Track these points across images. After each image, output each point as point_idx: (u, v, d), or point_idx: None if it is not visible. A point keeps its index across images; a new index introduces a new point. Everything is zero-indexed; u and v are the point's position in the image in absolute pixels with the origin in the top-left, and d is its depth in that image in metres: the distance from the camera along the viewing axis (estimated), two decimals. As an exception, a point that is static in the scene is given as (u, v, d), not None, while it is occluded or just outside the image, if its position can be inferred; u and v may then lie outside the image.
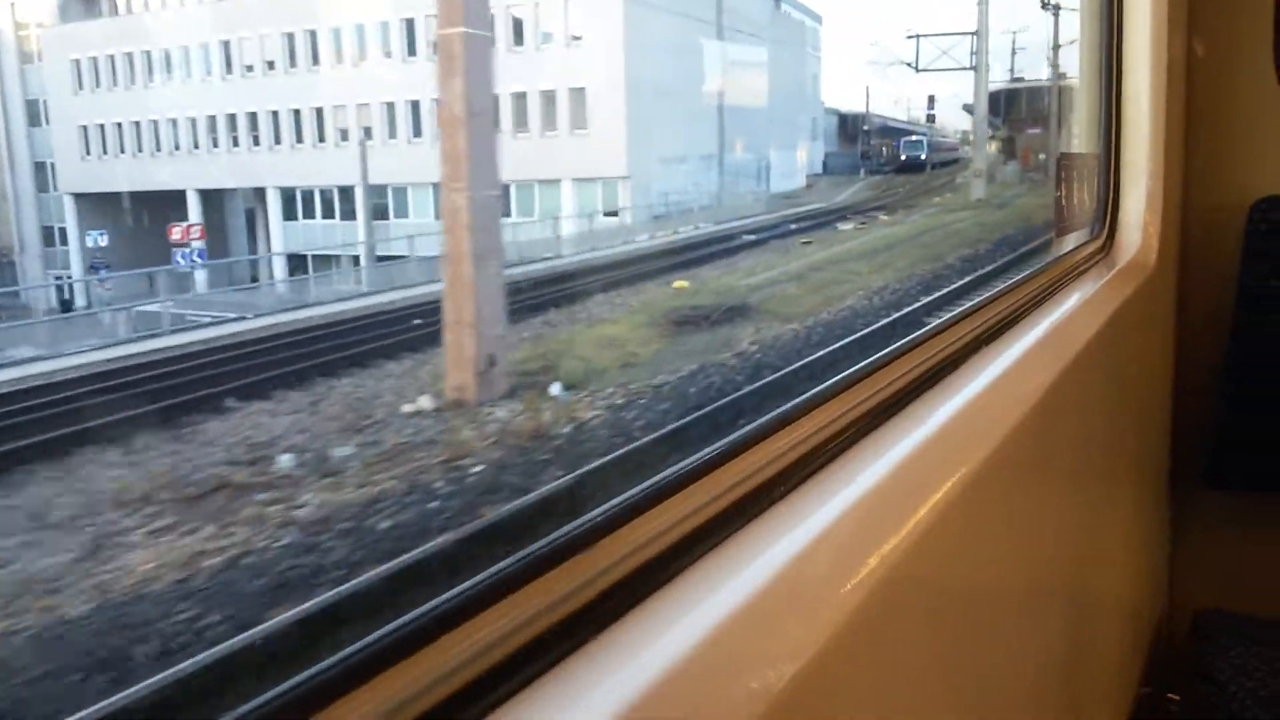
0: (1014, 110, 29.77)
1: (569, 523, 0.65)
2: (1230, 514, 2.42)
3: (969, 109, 30.48)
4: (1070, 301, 1.69)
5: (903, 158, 33.00)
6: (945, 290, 9.42)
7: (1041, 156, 26.70)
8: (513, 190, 19.12)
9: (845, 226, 19.34)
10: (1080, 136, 2.34)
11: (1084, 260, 2.02)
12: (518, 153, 18.12)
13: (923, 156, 33.02)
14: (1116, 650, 2.00)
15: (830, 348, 7.99)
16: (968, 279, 10.08)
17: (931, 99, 34.57)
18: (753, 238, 16.54)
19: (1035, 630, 1.27)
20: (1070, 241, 2.20)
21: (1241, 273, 2.24)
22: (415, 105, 17.59)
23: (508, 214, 18.51)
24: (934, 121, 35.10)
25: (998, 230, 16.56)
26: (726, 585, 0.64)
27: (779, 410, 0.90)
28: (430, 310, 7.71)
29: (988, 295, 1.56)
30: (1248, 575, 2.39)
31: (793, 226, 18.80)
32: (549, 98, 18.82)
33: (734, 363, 7.59)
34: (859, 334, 8.14)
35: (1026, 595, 1.22)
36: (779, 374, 6.68)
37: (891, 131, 35.50)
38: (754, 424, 0.86)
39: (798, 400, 0.94)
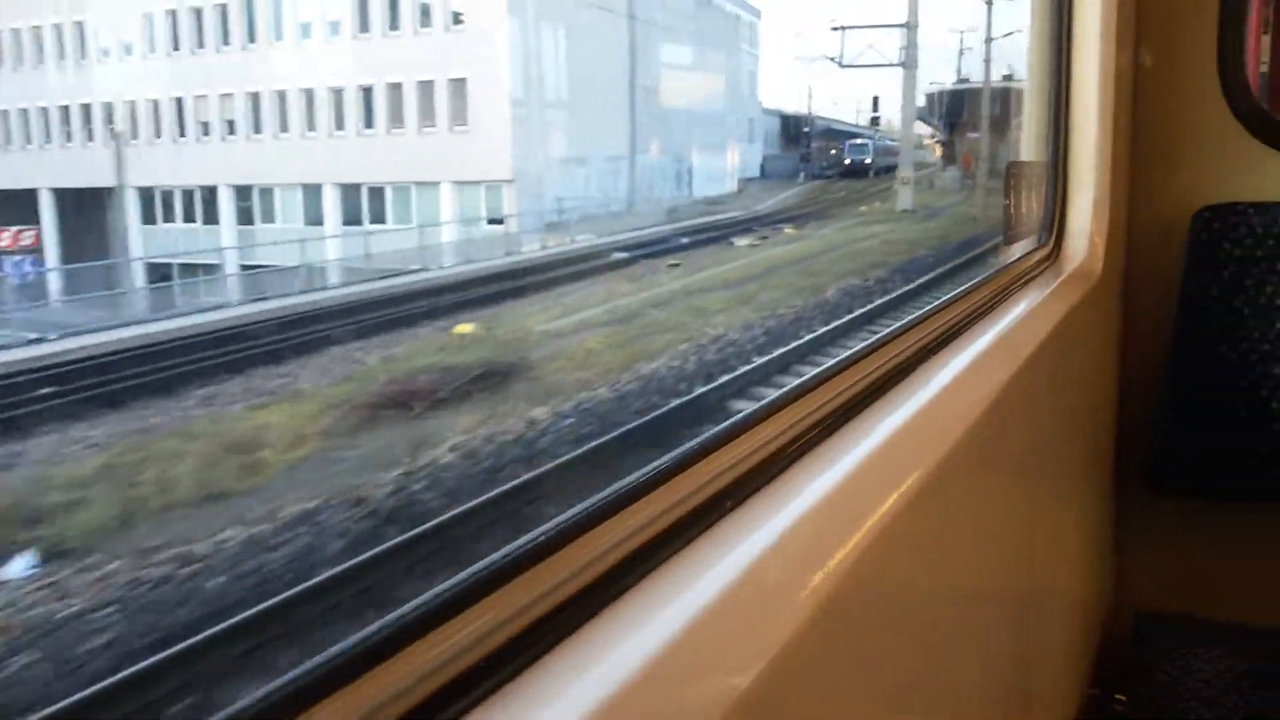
0: (956, 113, 28.42)
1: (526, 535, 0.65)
2: (1173, 518, 2.47)
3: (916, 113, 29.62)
4: (1018, 309, 1.71)
5: (847, 161, 31.55)
6: (773, 356, 7.59)
7: (983, 162, 25.37)
8: (388, 194, 17.57)
9: (741, 242, 17.41)
10: (1029, 145, 2.37)
11: (1032, 268, 2.05)
12: (395, 151, 16.78)
13: (867, 160, 31.26)
14: (1063, 651, 2.03)
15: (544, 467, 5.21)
16: (818, 333, 8.42)
17: (876, 100, 33.56)
18: (624, 255, 14.64)
19: (984, 632, 1.29)
20: (1018, 249, 2.23)
21: (1184, 281, 2.29)
22: (282, 96, 16.33)
23: (382, 219, 17.19)
24: (878, 123, 33.72)
25: (909, 250, 15.27)
26: (683, 594, 0.64)
27: (731, 420, 0.91)
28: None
29: (938, 303, 1.58)
30: (1189, 578, 2.44)
31: (684, 240, 16.89)
32: (427, 90, 17.02)
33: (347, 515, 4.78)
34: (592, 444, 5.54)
35: (976, 598, 1.24)
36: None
37: (836, 134, 33.90)
38: (707, 434, 0.87)
39: (750, 410, 0.95)
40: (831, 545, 0.75)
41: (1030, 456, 1.55)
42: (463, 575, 0.58)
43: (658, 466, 0.78)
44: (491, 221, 18.02)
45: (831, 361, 1.16)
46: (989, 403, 1.17)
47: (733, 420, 0.92)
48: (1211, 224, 2.26)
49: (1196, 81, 2.30)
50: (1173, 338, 2.32)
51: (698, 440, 0.85)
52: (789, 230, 19.41)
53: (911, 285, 10.88)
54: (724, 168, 27.85)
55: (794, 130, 34.49)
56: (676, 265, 14.18)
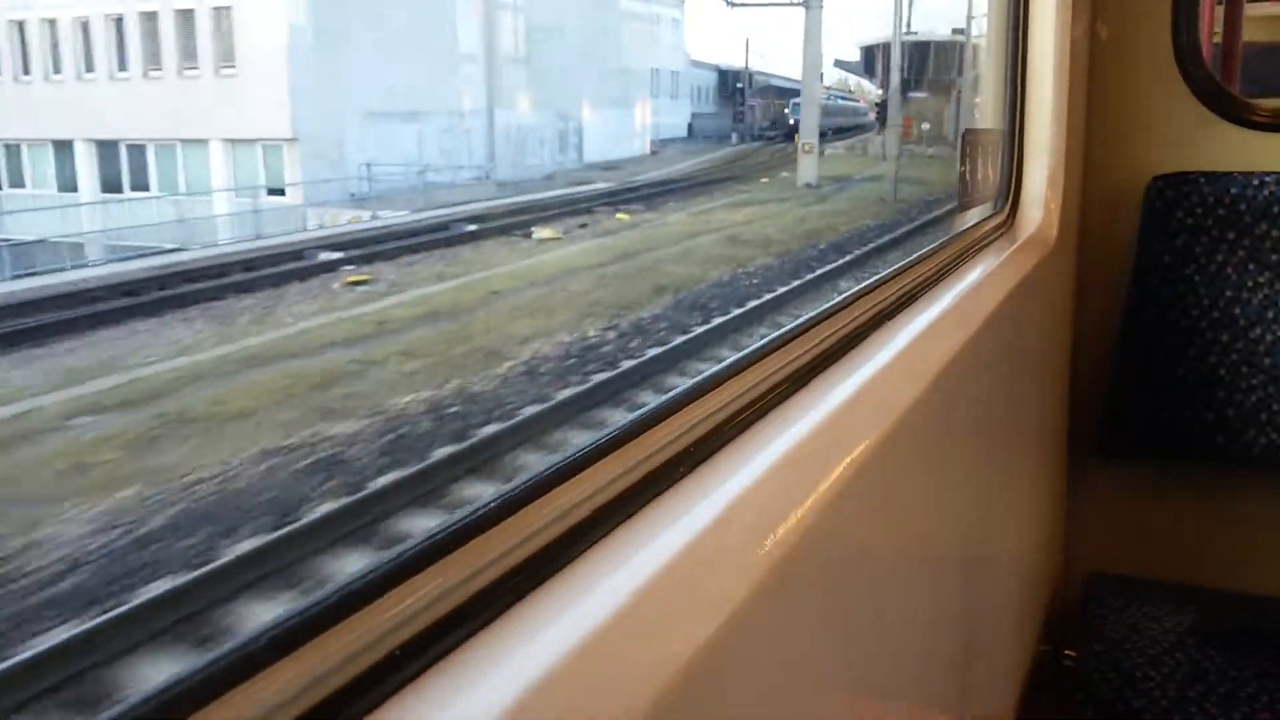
0: (900, 70, 25.46)
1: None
2: (1123, 481, 2.54)
3: (846, 66, 27.41)
4: (973, 275, 1.73)
5: (792, 122, 27.81)
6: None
7: (925, 126, 23.31)
8: (150, 153, 13.88)
9: (543, 234, 13.60)
10: (986, 112, 2.38)
11: (987, 234, 2.08)
12: (155, 99, 13.25)
13: None
14: (1015, 610, 2.08)
15: None
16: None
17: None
18: (337, 256, 10.72)
19: (936, 593, 1.32)
20: (974, 216, 2.25)
21: (1137, 249, 2.35)
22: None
23: (145, 185, 13.56)
24: (845, 82, 30.50)
25: (757, 251, 11.67)
26: (634, 560, 0.65)
27: (680, 388, 0.92)
28: None
29: (893, 268, 1.59)
30: (1138, 539, 2.52)
31: (467, 229, 12.94)
32: (187, 21, 13.35)
33: None
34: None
35: (927, 559, 1.27)
36: None
37: (785, 92, 29.52)
38: (660, 400, 0.88)
39: (700, 378, 0.96)
40: (785, 509, 0.76)
41: (983, 421, 1.58)
42: (373, 565, 0.57)
43: (607, 435, 0.78)
44: (272, 192, 14.47)
45: (785, 327, 1.16)
46: (942, 367, 1.19)
47: (685, 386, 0.92)
48: (1165, 193, 2.32)
49: (1151, 52, 2.35)
50: (1125, 304, 2.38)
51: (650, 407, 0.85)
52: (623, 215, 15.37)
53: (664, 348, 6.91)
54: (630, 127, 23.09)
55: (733, 87, 30.31)
56: (362, 283, 10.09)
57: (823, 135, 25.92)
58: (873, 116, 27.45)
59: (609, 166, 20.86)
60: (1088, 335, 2.51)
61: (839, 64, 27.47)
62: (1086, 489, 2.58)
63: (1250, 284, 2.30)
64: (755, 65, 30.77)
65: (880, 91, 26.06)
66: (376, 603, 0.54)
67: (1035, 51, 2.19)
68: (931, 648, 1.31)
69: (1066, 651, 2.22)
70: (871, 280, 1.47)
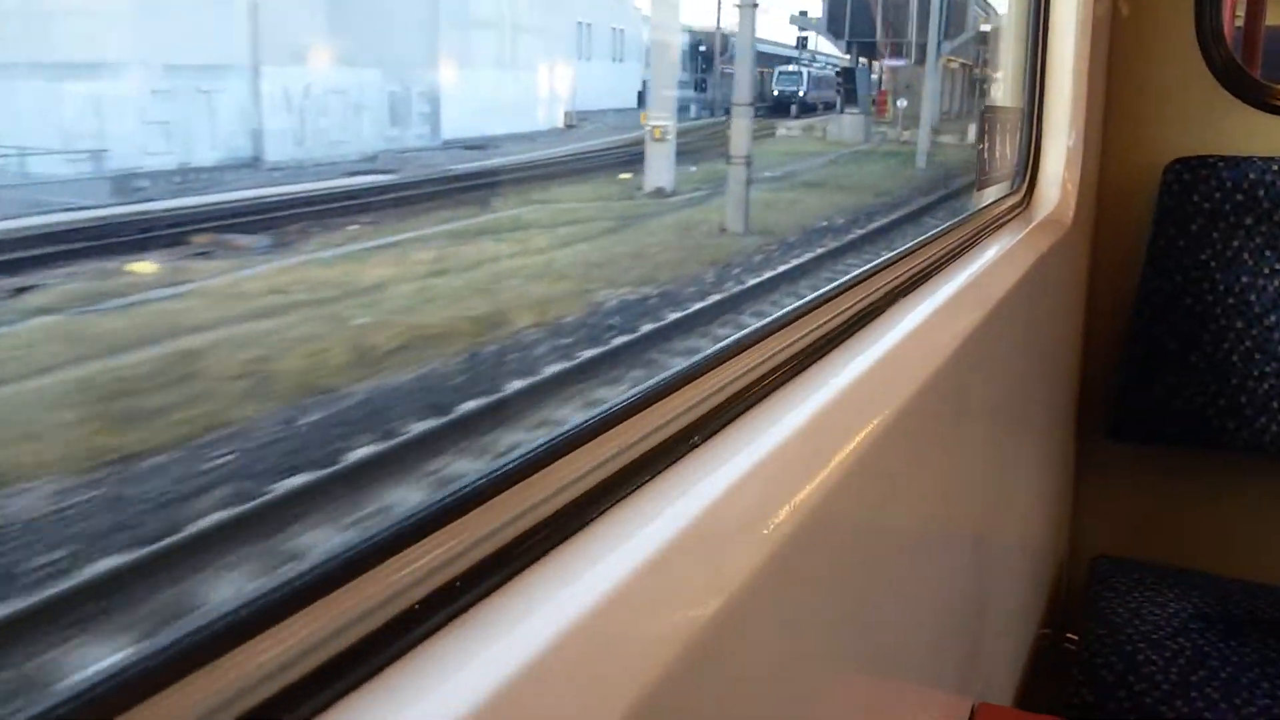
0: (873, 30, 20.85)
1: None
2: (1132, 466, 2.54)
3: (806, 24, 22.01)
4: (989, 254, 1.71)
5: (775, 93, 24.35)
6: None
7: (902, 103, 18.80)
8: None
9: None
10: (1006, 90, 2.36)
11: (1003, 213, 2.06)
12: None
13: (800, 93, 24.32)
14: (1020, 592, 2.08)
15: None
16: None
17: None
18: None
19: (941, 573, 1.32)
20: (990, 194, 2.23)
21: (1153, 232, 2.33)
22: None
23: None
24: (806, 46, 25.33)
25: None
26: (638, 534, 0.64)
27: (698, 356, 0.91)
28: None
29: (910, 244, 1.57)
30: (1143, 524, 2.52)
31: None
32: None
33: None
34: None
35: (934, 539, 1.27)
36: None
37: (771, 59, 25.16)
38: (673, 371, 0.87)
39: (713, 349, 0.95)
40: (797, 482, 0.76)
41: (994, 402, 1.57)
42: (349, 545, 0.53)
43: (612, 407, 0.77)
44: None
45: (802, 300, 1.16)
46: (956, 346, 1.19)
47: (700, 356, 0.91)
48: (1182, 176, 2.30)
49: (1173, 34, 2.33)
50: (1139, 288, 2.37)
51: (663, 376, 0.84)
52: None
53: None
54: (537, 95, 18.00)
55: (712, 52, 24.52)
56: None
57: (811, 108, 23.06)
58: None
59: (475, 145, 14.78)
60: (1100, 318, 2.49)
61: (796, 20, 22.32)
62: (1095, 473, 2.57)
63: (1266, 270, 2.27)
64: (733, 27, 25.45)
65: (848, 57, 21.98)
66: (369, 574, 0.52)
67: (1056, 30, 2.17)
68: (937, 628, 1.31)
69: (1069, 635, 2.22)
70: (887, 256, 1.45)
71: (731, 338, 0.99)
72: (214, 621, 0.46)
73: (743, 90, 13.11)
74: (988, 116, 2.26)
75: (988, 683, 1.71)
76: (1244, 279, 2.28)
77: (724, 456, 0.77)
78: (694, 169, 13.77)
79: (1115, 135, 2.42)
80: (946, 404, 1.21)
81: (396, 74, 13.23)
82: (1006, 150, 2.28)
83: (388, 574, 0.52)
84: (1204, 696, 1.81)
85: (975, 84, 19.46)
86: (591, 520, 0.64)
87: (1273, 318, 2.27)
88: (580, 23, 20.00)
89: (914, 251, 1.51)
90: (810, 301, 1.15)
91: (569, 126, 17.73)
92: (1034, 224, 2.08)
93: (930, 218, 10.47)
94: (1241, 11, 2.74)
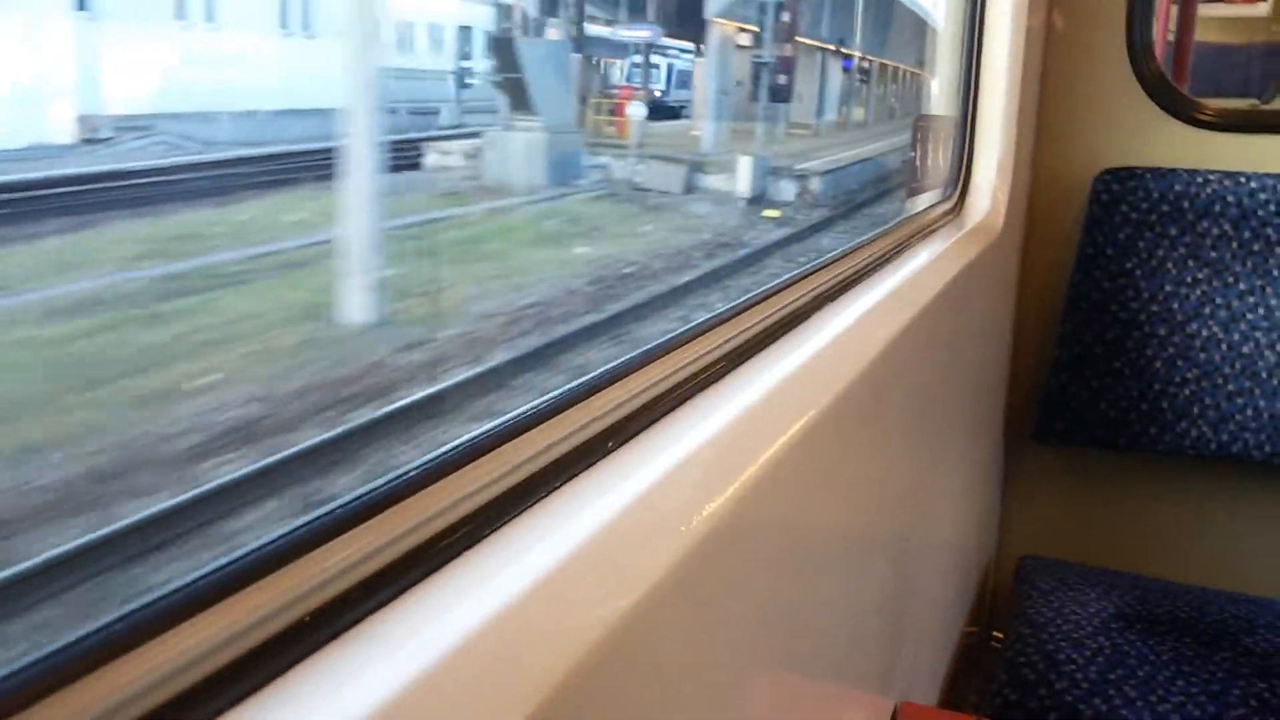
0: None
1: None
2: (1057, 468, 2.60)
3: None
4: (918, 260, 1.74)
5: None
6: None
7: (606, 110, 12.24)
8: None
9: None
10: (940, 99, 2.39)
11: (934, 220, 2.09)
12: None
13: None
14: (946, 593, 2.12)
15: None
16: None
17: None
18: None
19: (865, 574, 1.34)
20: (923, 202, 2.26)
21: (1082, 241, 2.39)
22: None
23: None
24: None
25: None
26: (549, 538, 0.64)
27: (619, 360, 0.90)
28: None
29: (839, 250, 1.59)
30: (1069, 524, 2.59)
31: None
32: None
33: None
34: None
35: (858, 541, 1.28)
36: None
37: (617, 48, 19.86)
38: (593, 374, 0.86)
39: (633, 355, 0.94)
40: (716, 485, 0.76)
41: (920, 404, 1.60)
42: (246, 549, 0.52)
43: (534, 408, 0.76)
44: None
45: (727, 305, 1.16)
46: (880, 350, 1.20)
47: (620, 360, 0.91)
48: (1111, 186, 2.36)
49: (1105, 46, 2.38)
50: (1067, 294, 2.42)
51: (577, 382, 0.84)
52: None
53: None
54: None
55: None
56: None
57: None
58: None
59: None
60: (1029, 323, 2.55)
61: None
62: (1022, 474, 2.62)
63: (1189, 280, 2.34)
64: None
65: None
66: (269, 577, 0.51)
67: (990, 40, 2.20)
68: (859, 628, 1.32)
69: (995, 634, 2.26)
70: (815, 262, 1.46)
71: (653, 342, 0.98)
72: (111, 623, 0.45)
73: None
74: (920, 125, 2.29)
75: (911, 682, 1.74)
76: (1168, 287, 2.35)
77: (641, 460, 0.77)
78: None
79: (1047, 145, 2.47)
80: (871, 407, 1.22)
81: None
82: (939, 159, 2.31)
83: (289, 578, 0.52)
84: (1121, 694, 1.85)
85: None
86: (501, 526, 0.64)
87: (1194, 325, 2.34)
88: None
89: (843, 257, 1.52)
90: (734, 307, 1.15)
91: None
92: (965, 231, 2.12)
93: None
94: (1173, 27, 2.81)
